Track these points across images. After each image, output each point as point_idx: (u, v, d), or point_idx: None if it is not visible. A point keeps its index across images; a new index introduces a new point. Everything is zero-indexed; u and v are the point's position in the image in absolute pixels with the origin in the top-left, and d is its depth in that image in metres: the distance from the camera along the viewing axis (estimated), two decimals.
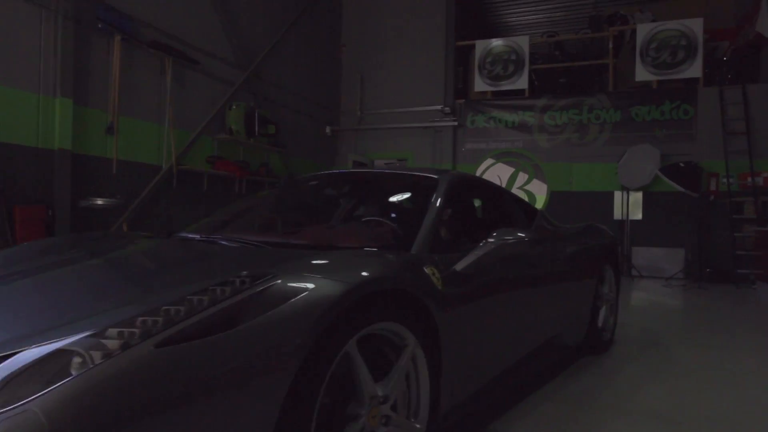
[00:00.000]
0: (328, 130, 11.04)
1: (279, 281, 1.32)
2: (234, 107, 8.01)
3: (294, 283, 1.33)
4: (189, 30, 7.24)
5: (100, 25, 5.91)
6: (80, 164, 5.69)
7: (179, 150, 7.05)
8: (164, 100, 6.83)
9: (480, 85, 10.29)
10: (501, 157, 10.16)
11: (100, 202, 5.75)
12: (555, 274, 2.84)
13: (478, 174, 10.25)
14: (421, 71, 10.56)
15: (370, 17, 11.09)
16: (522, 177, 10.06)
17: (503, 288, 2.28)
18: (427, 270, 1.79)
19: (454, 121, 10.30)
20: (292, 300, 1.26)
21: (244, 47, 8.39)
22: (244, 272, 1.37)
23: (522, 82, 9.98)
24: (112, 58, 6.07)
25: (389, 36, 10.87)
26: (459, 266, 1.97)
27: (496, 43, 10.21)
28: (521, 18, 11.95)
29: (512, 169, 10.10)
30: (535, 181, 9.96)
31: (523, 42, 10.11)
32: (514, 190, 10.06)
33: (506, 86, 10.09)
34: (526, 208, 3.21)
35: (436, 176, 2.50)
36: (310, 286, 1.32)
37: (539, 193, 9.93)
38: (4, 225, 4.78)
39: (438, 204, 2.23)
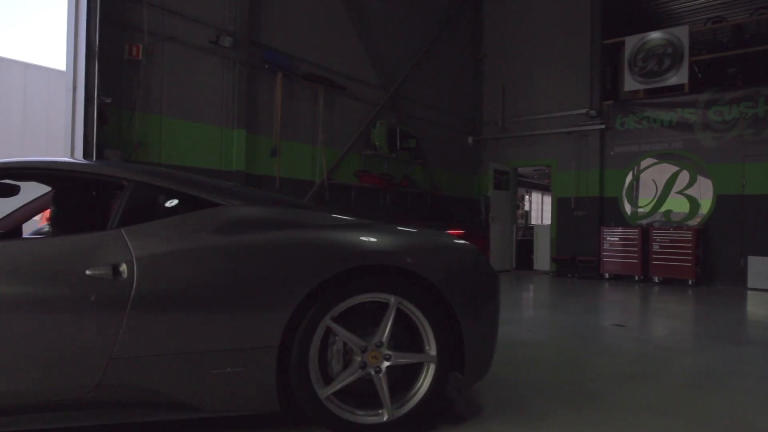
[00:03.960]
0: (470, 140, 11.34)
1: None
2: (378, 125, 8.81)
3: None
4: (337, 60, 8.23)
5: (266, 66, 7.12)
6: (251, 182, 6.90)
7: (330, 166, 8.03)
8: (317, 124, 7.87)
9: (630, 84, 9.65)
10: (663, 158, 9.37)
11: None
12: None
13: (631, 175, 9.61)
14: (564, 75, 10.29)
15: (510, 26, 11.15)
16: (682, 180, 9.16)
17: None
18: None
19: (601, 124, 9.81)
20: None
21: (387, 70, 9.17)
22: None
23: (681, 77, 9.11)
24: (275, 92, 7.25)
25: (531, 43, 10.80)
26: None
27: (649, 36, 9.49)
28: (683, 4, 10.85)
29: (675, 169, 9.24)
30: (697, 184, 8.99)
31: (681, 32, 9.23)
32: (673, 195, 9.22)
33: (661, 83, 9.31)
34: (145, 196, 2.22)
35: None
36: None
37: (703, 197, 8.93)
38: None
39: None
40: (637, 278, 9.02)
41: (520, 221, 16.05)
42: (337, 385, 2.14)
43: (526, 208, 18.30)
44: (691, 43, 9.13)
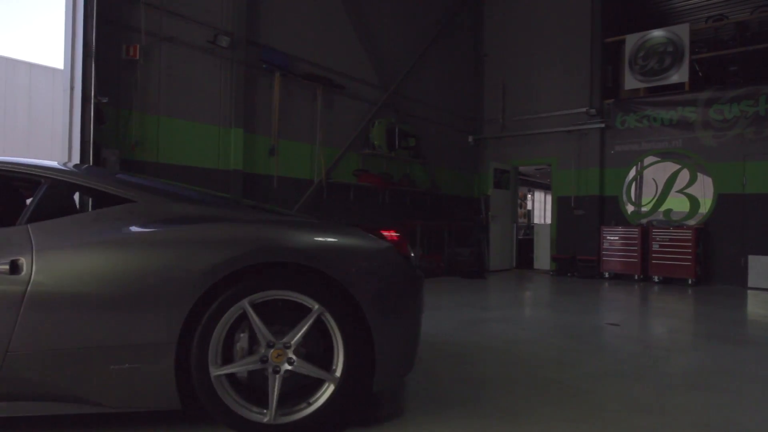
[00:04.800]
0: (470, 139, 11.33)
1: None
2: (376, 124, 8.83)
3: None
4: (336, 59, 8.25)
5: (264, 66, 7.14)
6: (249, 181, 6.94)
7: (328, 165, 8.05)
8: (315, 123, 7.90)
9: (631, 82, 9.62)
10: (664, 156, 9.33)
11: None
12: None
13: (631, 174, 9.57)
14: (564, 74, 10.27)
15: (511, 25, 11.13)
16: (683, 178, 9.11)
17: None
18: None
19: (601, 122, 9.77)
20: None
21: (386, 69, 9.18)
22: None
23: (681, 75, 9.07)
24: (273, 92, 7.27)
25: (531, 41, 10.78)
26: None
27: (650, 35, 9.45)
28: (684, 2, 10.78)
29: (675, 168, 9.19)
30: (697, 183, 8.94)
31: (681, 30, 9.19)
32: (673, 194, 9.18)
33: (662, 81, 9.27)
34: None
35: None
36: None
37: (704, 196, 8.89)
38: None
39: None
40: (636, 277, 8.99)
41: (522, 220, 16.03)
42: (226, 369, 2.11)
43: (529, 207, 18.26)
44: (691, 41, 9.09)
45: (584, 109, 9.94)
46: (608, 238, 9.33)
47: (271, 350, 2.15)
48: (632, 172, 9.64)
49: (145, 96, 5.95)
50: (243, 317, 2.15)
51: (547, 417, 2.47)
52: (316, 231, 2.30)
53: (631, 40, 9.63)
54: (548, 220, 20.21)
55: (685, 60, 9.06)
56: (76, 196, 2.50)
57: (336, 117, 8.27)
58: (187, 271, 2.04)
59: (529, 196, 18.67)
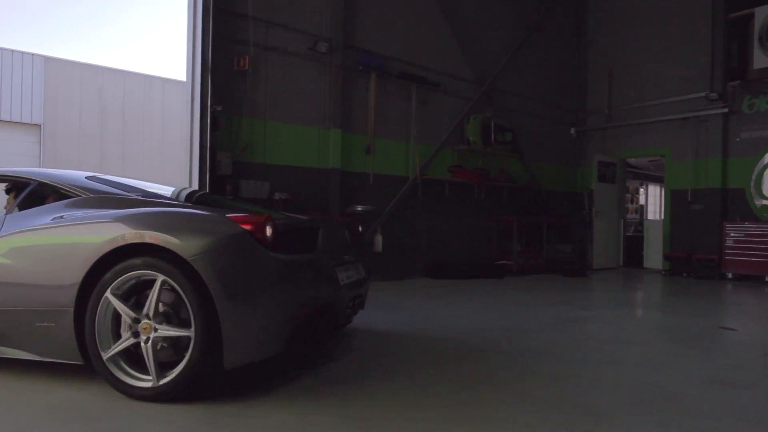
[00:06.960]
0: (572, 131, 10.82)
1: None
2: (471, 119, 8.78)
3: None
4: (431, 57, 8.34)
5: (360, 68, 7.44)
6: (346, 179, 7.28)
7: (423, 162, 8.17)
8: (410, 121, 8.06)
9: (761, 60, 8.57)
10: None
11: (359, 208, 7.23)
12: None
13: (762, 164, 8.56)
14: (680, 56, 9.42)
15: (618, 7, 10.43)
16: None
17: None
18: None
19: (724, 107, 8.84)
20: None
21: (482, 63, 9.08)
22: None
23: None
24: (369, 92, 7.55)
25: (641, 23, 10.03)
26: None
27: None
28: None
29: None
30: None
31: None
32: None
33: None
34: None
35: None
36: None
37: None
38: None
39: None
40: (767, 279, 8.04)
41: (634, 215, 14.94)
42: (113, 350, 2.47)
43: (642, 201, 16.95)
44: None
45: (703, 94, 9.05)
46: (732, 235, 8.43)
47: (139, 324, 2.46)
48: (763, 162, 8.61)
49: (253, 103, 6.50)
50: (133, 292, 2.53)
51: (633, 419, 2.38)
52: (175, 217, 2.58)
53: (762, 13, 8.58)
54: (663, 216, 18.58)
55: None
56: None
57: (430, 114, 8.37)
58: (78, 251, 2.52)
59: (642, 189, 17.32)
